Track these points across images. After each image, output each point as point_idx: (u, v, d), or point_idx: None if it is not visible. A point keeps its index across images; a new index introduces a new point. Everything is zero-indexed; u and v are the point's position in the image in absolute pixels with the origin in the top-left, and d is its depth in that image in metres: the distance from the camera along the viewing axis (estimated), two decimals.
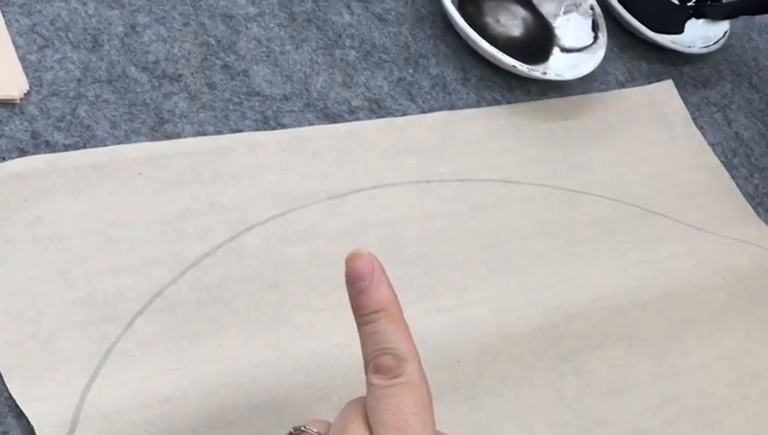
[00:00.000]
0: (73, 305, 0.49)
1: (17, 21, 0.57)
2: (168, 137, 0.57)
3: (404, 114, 0.65)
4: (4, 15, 0.57)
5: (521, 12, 0.75)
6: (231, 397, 0.49)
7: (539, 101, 0.71)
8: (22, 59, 0.56)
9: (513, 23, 0.74)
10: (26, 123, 0.54)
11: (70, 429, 0.46)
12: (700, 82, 0.80)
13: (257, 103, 0.61)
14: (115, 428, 0.46)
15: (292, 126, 0.61)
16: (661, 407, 0.60)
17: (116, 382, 0.48)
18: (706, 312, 0.66)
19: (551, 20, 0.75)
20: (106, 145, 0.55)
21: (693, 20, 0.82)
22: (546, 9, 0.75)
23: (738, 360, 0.65)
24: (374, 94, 0.65)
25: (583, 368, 0.59)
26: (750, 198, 0.75)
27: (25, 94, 0.55)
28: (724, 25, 0.82)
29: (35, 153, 0.53)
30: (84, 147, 0.55)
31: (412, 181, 0.62)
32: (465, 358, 0.56)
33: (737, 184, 0.75)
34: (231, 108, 0.60)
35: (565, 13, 0.75)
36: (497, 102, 0.69)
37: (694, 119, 0.77)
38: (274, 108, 0.61)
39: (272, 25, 0.65)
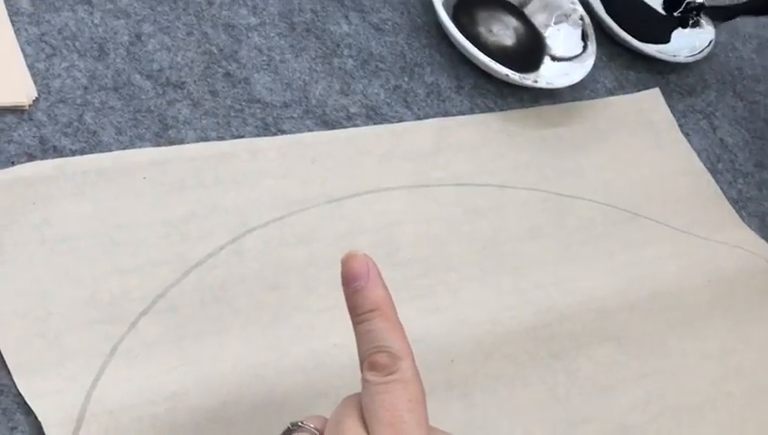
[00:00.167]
0: (80, 305, 0.49)
1: (26, 30, 0.57)
2: (172, 142, 0.57)
3: (400, 121, 0.65)
4: (13, 25, 0.57)
5: (513, 22, 0.75)
6: (233, 394, 0.49)
7: (531, 109, 0.71)
8: (30, 67, 0.56)
9: (505, 33, 0.74)
10: (35, 129, 0.54)
11: (76, 425, 0.45)
12: (686, 91, 0.81)
13: (258, 110, 0.61)
14: (120, 424, 0.46)
15: (291, 132, 0.61)
16: (648, 404, 0.61)
17: (121, 380, 0.48)
18: (692, 312, 0.66)
19: (542, 30, 0.75)
20: (111, 150, 0.55)
21: (679, 30, 0.83)
22: (537, 20, 0.76)
23: (722, 358, 0.65)
24: (371, 101, 0.65)
25: (573, 366, 0.59)
26: (734, 202, 0.75)
27: (34, 101, 0.55)
28: (708, 35, 0.82)
29: (43, 158, 0.53)
30: (91, 152, 0.55)
31: (408, 186, 0.62)
32: (460, 356, 0.56)
33: (722, 189, 0.75)
34: (233, 114, 0.60)
35: (556, 23, 0.75)
36: (490, 110, 0.69)
37: (680, 126, 0.77)
38: (275, 115, 0.61)
39: (272, 35, 0.65)
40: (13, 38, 0.56)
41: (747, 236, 0.73)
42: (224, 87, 0.61)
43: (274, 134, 0.60)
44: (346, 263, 0.42)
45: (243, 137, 0.59)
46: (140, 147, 0.56)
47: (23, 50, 0.56)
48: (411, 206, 0.61)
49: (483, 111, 0.69)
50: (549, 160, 0.69)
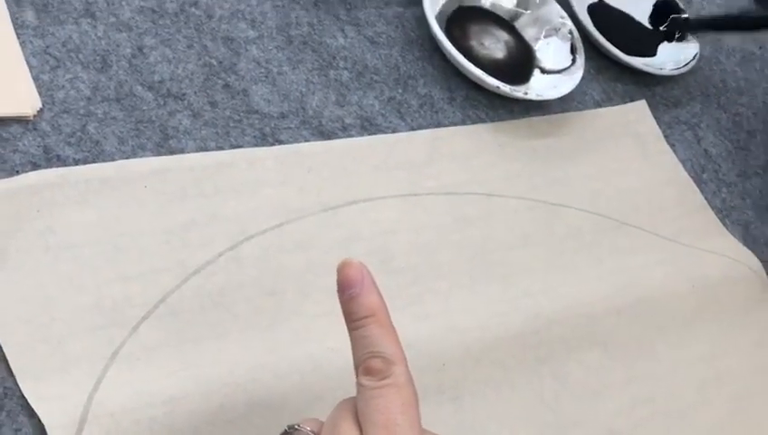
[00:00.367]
0: (82, 311, 0.50)
1: (31, 43, 0.57)
2: (173, 152, 0.57)
3: (394, 131, 0.66)
4: (18, 37, 0.57)
5: (504, 36, 0.75)
6: (231, 397, 0.49)
7: (521, 120, 0.71)
8: (35, 78, 0.56)
9: (496, 46, 0.74)
10: (39, 139, 0.54)
11: (78, 427, 0.46)
12: (671, 102, 0.81)
13: (256, 121, 0.61)
14: (121, 426, 0.46)
15: (288, 142, 0.61)
16: (634, 408, 0.61)
17: (122, 384, 0.48)
18: (677, 318, 0.66)
19: (532, 43, 0.75)
20: (114, 160, 0.55)
21: (665, 44, 0.83)
22: (528, 33, 0.76)
23: (707, 364, 0.65)
24: (366, 112, 0.66)
25: (561, 371, 0.60)
26: (718, 211, 0.75)
27: (38, 112, 0.55)
28: (693, 48, 0.83)
29: (47, 167, 0.53)
30: (94, 161, 0.55)
31: (401, 195, 0.62)
32: (450, 361, 0.56)
33: (706, 198, 0.75)
34: (231, 125, 0.60)
35: (545, 37, 0.76)
36: (482, 121, 0.70)
37: (665, 136, 0.77)
38: (272, 125, 0.62)
39: (270, 48, 0.65)
40: (18, 50, 0.56)
41: (731, 243, 0.73)
42: (223, 98, 0.61)
43: (272, 144, 0.61)
44: (342, 270, 0.42)
45: (241, 147, 0.60)
46: (142, 156, 0.56)
47: (28, 62, 0.56)
48: (405, 214, 0.61)
49: (474, 122, 0.69)
50: (539, 170, 0.69)
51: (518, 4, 0.76)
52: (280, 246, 0.56)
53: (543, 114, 0.72)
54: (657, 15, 0.84)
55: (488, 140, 0.69)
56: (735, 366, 0.66)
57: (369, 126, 0.65)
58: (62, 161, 0.54)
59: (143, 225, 0.54)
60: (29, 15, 0.58)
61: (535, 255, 0.64)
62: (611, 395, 0.60)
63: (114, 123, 0.57)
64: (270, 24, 0.66)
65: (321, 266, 0.56)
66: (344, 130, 0.64)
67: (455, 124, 0.68)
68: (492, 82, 0.69)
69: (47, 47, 0.58)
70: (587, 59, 0.75)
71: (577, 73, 0.73)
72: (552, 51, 0.75)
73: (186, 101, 0.60)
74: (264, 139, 0.61)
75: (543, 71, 0.74)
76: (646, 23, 0.84)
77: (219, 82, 0.62)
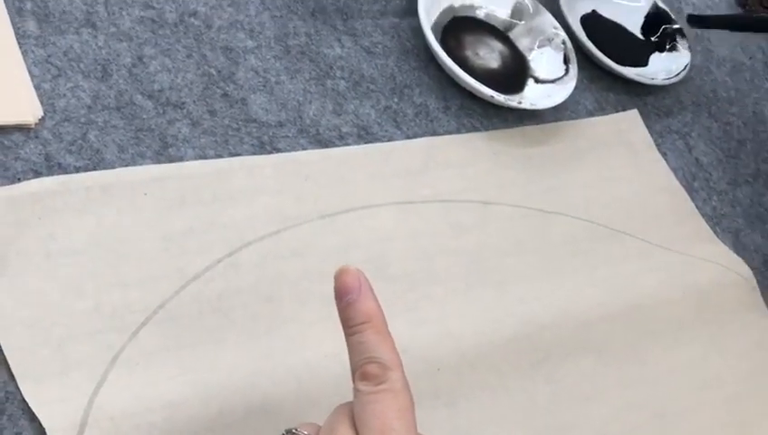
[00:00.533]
0: (83, 316, 0.50)
1: (33, 52, 0.58)
2: (172, 160, 0.58)
3: (390, 140, 0.66)
4: (20, 47, 0.57)
5: (498, 46, 0.75)
6: (229, 402, 0.49)
7: (515, 129, 0.71)
8: (37, 87, 0.56)
9: (490, 56, 0.75)
10: (40, 147, 0.54)
11: (79, 431, 0.46)
12: (663, 112, 0.81)
13: (254, 129, 0.62)
14: (121, 430, 0.47)
15: (286, 150, 0.61)
16: (627, 413, 0.61)
17: (122, 388, 0.48)
18: (669, 324, 0.66)
19: (526, 54, 0.76)
20: (114, 167, 0.55)
21: (656, 54, 0.83)
22: (522, 44, 0.76)
23: (698, 369, 0.66)
24: (362, 121, 0.66)
25: (556, 376, 0.60)
26: (708, 218, 0.76)
27: (40, 120, 0.55)
28: (685, 59, 0.83)
29: (49, 174, 0.53)
30: (94, 169, 0.55)
31: (397, 202, 0.62)
32: (446, 366, 0.56)
33: (697, 206, 0.76)
34: (230, 133, 0.61)
35: (539, 47, 0.76)
36: (476, 129, 0.70)
37: (657, 145, 0.78)
38: (270, 134, 0.62)
39: (268, 57, 0.65)
40: (20, 60, 0.57)
41: (721, 251, 0.73)
42: (222, 107, 0.61)
43: (270, 152, 0.61)
44: (339, 277, 0.42)
45: (239, 155, 0.60)
46: (142, 164, 0.56)
47: (29, 71, 0.57)
48: (401, 222, 0.62)
49: (469, 131, 0.69)
50: (533, 178, 0.69)
51: (512, 15, 0.77)
52: (277, 253, 0.56)
53: (537, 123, 0.73)
54: (648, 26, 0.85)
55: (483, 148, 0.69)
56: (727, 371, 0.67)
57: (365, 135, 0.65)
58: (62, 169, 0.54)
59: (143, 232, 0.54)
60: (31, 25, 0.59)
61: (529, 261, 0.64)
62: (605, 400, 0.61)
63: (114, 131, 0.57)
64: (268, 34, 0.67)
65: (318, 273, 0.57)
66: (341, 139, 0.64)
67: (450, 133, 0.68)
68: (486, 91, 0.69)
69: (48, 56, 0.58)
70: (580, 69, 0.76)
71: (570, 83, 0.74)
72: (546, 61, 0.75)
73: (185, 110, 0.60)
74: (262, 147, 0.61)
75: (537, 80, 0.74)
76: (638, 33, 0.84)
77: (218, 91, 0.62)
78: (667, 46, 0.84)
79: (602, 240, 0.69)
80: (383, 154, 0.64)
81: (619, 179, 0.74)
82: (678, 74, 0.82)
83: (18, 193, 0.52)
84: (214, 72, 0.63)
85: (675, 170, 0.77)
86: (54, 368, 0.48)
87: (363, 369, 0.41)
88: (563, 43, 0.76)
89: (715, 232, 0.75)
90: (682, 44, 0.84)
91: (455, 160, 0.67)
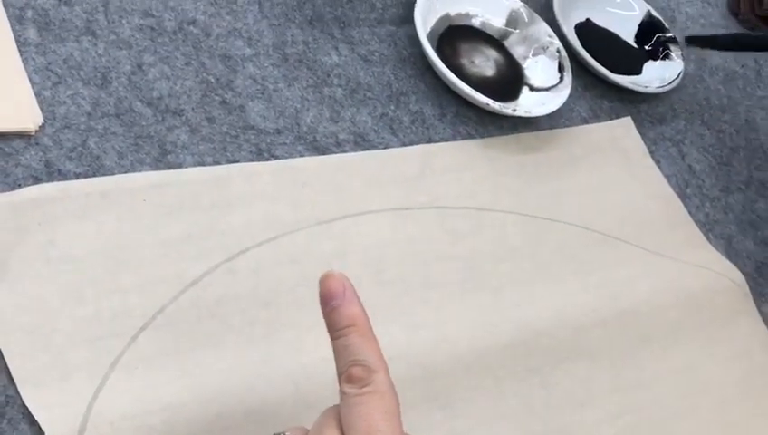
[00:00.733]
0: (82, 321, 0.50)
1: (33, 60, 0.58)
2: (171, 167, 0.58)
3: (386, 147, 0.66)
4: (21, 55, 0.57)
5: (493, 54, 0.76)
6: (227, 406, 0.49)
7: (510, 136, 0.72)
8: (37, 94, 0.56)
9: (486, 64, 0.75)
10: (41, 153, 0.55)
11: (78, 434, 0.46)
12: (656, 119, 0.81)
13: (252, 136, 0.62)
14: (120, 434, 0.47)
15: (284, 157, 0.62)
16: (620, 417, 0.61)
17: (121, 392, 0.48)
18: (661, 329, 0.66)
19: (520, 61, 0.76)
20: (114, 174, 0.56)
21: (650, 62, 0.84)
22: (516, 52, 0.76)
23: (690, 374, 0.66)
24: (359, 128, 0.66)
25: (549, 380, 0.60)
26: (701, 225, 0.76)
27: (40, 127, 0.55)
28: (678, 67, 0.83)
29: (49, 181, 0.53)
30: (94, 175, 0.55)
31: (394, 208, 0.63)
32: (442, 371, 0.56)
33: (690, 212, 0.76)
34: (228, 140, 0.61)
35: (534, 55, 0.76)
36: (472, 136, 0.70)
37: (651, 152, 0.78)
38: (268, 141, 0.62)
39: (266, 65, 0.66)
40: (21, 67, 0.57)
41: (713, 257, 0.74)
42: (220, 114, 0.62)
43: (268, 159, 0.61)
44: (323, 283, 0.43)
45: (238, 162, 0.60)
46: (141, 171, 0.57)
47: (30, 78, 0.57)
48: (397, 228, 0.62)
49: (465, 138, 0.70)
50: (527, 185, 0.69)
51: (507, 24, 0.77)
52: (275, 259, 0.56)
53: (532, 130, 0.73)
54: (642, 34, 0.85)
55: (478, 155, 0.69)
56: (718, 376, 0.67)
57: (362, 142, 0.65)
58: (63, 175, 0.54)
59: (142, 237, 0.54)
60: (31, 33, 0.59)
61: (524, 267, 0.64)
62: (598, 404, 0.61)
63: (114, 138, 0.57)
64: (266, 42, 0.67)
65: (315, 279, 0.55)
66: (338, 146, 0.64)
67: (445, 140, 0.69)
68: (482, 98, 0.69)
69: (49, 64, 0.58)
70: (574, 77, 0.76)
71: (564, 91, 0.74)
72: (541, 69, 0.76)
73: (184, 117, 0.60)
74: (260, 154, 0.61)
75: (532, 88, 0.75)
76: (632, 42, 0.85)
77: (216, 98, 0.62)
78: (661, 55, 0.84)
79: (596, 246, 0.69)
80: (379, 161, 0.64)
81: (612, 186, 0.74)
82: (672, 82, 0.82)
83: (18, 199, 0.52)
84: (212, 80, 0.63)
85: (668, 177, 0.77)
86: (54, 373, 0.48)
87: (349, 372, 0.41)
88: (558, 51, 0.76)
89: (707, 238, 0.75)
90: (675, 53, 0.84)
91: (450, 167, 0.67)
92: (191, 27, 0.65)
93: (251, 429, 0.49)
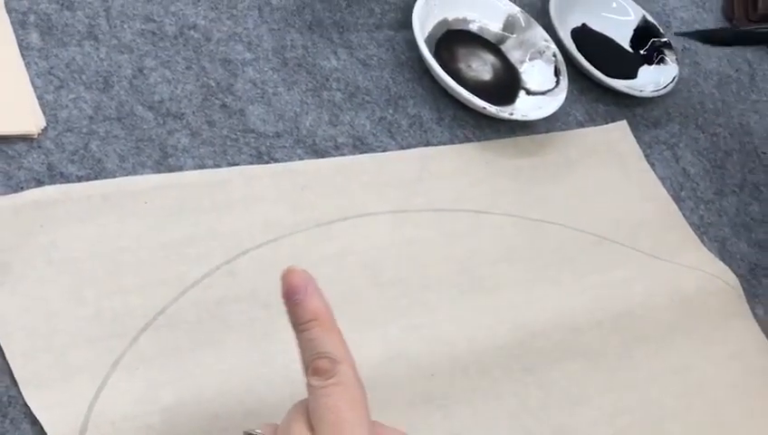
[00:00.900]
0: (84, 322, 0.50)
1: (36, 64, 0.58)
2: (172, 169, 0.58)
3: (384, 150, 0.66)
4: (24, 59, 0.57)
5: (490, 58, 0.76)
6: (226, 407, 0.50)
7: (507, 139, 0.72)
8: (39, 98, 0.56)
9: (483, 68, 0.75)
10: (43, 157, 0.55)
11: (79, 434, 0.46)
12: (651, 123, 0.81)
13: (252, 140, 0.62)
14: (120, 434, 0.47)
15: (283, 160, 0.62)
16: (615, 416, 0.61)
17: (122, 392, 0.48)
18: (656, 330, 0.66)
19: (517, 66, 0.76)
20: (115, 177, 0.56)
21: (645, 66, 0.84)
22: (513, 56, 0.76)
23: (684, 374, 0.66)
24: (358, 132, 0.66)
25: (545, 380, 0.60)
26: (695, 227, 0.76)
27: (43, 130, 0.55)
28: (672, 71, 0.83)
29: (51, 184, 0.53)
30: (96, 178, 0.55)
31: (392, 211, 0.63)
32: (439, 371, 0.56)
33: (684, 215, 0.76)
34: (228, 144, 0.61)
35: (530, 59, 0.76)
36: (469, 140, 0.70)
37: (646, 156, 0.78)
38: (268, 144, 0.62)
39: (266, 69, 0.66)
40: (23, 71, 0.57)
41: (707, 258, 0.74)
42: (220, 118, 0.62)
43: (267, 162, 0.61)
44: (286, 278, 0.43)
45: (238, 165, 0.60)
46: (142, 174, 0.57)
47: (32, 82, 0.57)
48: (395, 230, 0.62)
49: (462, 142, 0.70)
50: (524, 187, 0.70)
51: (504, 29, 0.77)
52: (275, 261, 0.56)
53: (528, 134, 0.73)
54: (637, 39, 0.85)
55: (476, 158, 0.69)
56: (712, 377, 0.67)
57: (360, 145, 0.65)
58: (65, 178, 0.54)
59: (143, 239, 0.54)
60: (34, 38, 0.59)
61: (521, 269, 0.65)
62: (593, 404, 0.61)
63: (115, 142, 0.57)
64: (266, 46, 0.67)
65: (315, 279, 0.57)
66: (337, 149, 0.64)
67: (443, 143, 0.69)
68: (479, 102, 0.69)
69: (51, 68, 0.58)
70: (570, 81, 0.76)
71: (561, 95, 0.74)
72: (537, 73, 0.76)
73: (184, 121, 0.60)
74: (260, 157, 0.61)
75: (528, 92, 0.75)
76: (627, 46, 0.85)
77: (217, 102, 0.62)
78: (656, 59, 0.84)
79: (592, 248, 0.69)
80: (378, 164, 0.64)
81: (608, 189, 0.74)
82: (666, 86, 0.82)
83: (21, 202, 0.52)
84: (213, 84, 0.63)
85: (663, 180, 0.77)
86: (56, 373, 0.48)
87: (314, 364, 0.41)
88: (554, 55, 0.76)
89: (701, 241, 0.75)
90: (670, 57, 0.84)
91: (448, 170, 0.67)
92: (192, 32, 0.65)
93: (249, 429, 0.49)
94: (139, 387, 0.49)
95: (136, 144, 0.58)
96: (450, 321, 0.59)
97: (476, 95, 0.70)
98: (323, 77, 0.67)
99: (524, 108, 0.73)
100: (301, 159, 0.62)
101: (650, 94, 0.81)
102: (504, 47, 0.77)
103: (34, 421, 0.46)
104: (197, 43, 0.64)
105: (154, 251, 0.54)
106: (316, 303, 0.42)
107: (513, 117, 0.71)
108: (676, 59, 0.84)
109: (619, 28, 0.85)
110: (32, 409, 0.46)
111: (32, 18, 0.59)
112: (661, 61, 0.84)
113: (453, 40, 0.75)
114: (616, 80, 0.80)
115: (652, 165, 0.78)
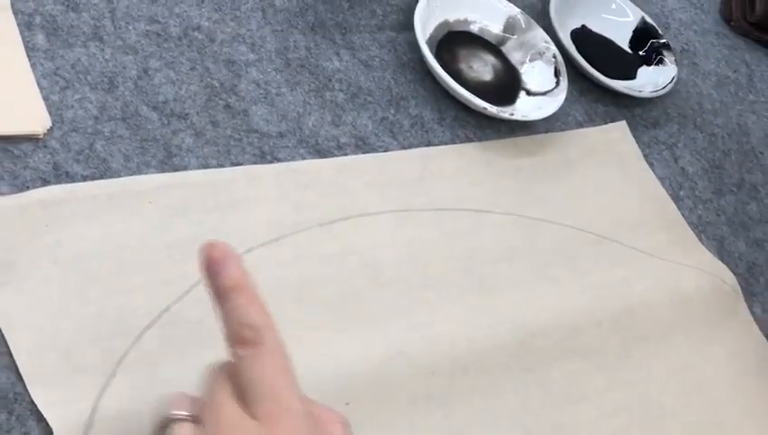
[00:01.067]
0: (89, 321, 0.50)
1: (42, 65, 0.58)
2: (176, 169, 0.58)
3: (386, 150, 0.66)
4: (30, 60, 0.57)
5: (491, 59, 0.76)
6: None
7: (507, 139, 0.72)
8: (45, 99, 0.56)
9: (484, 69, 0.75)
10: (49, 156, 0.55)
11: (84, 431, 0.46)
12: (650, 123, 0.81)
13: (255, 140, 0.62)
14: (124, 431, 0.47)
15: (286, 160, 0.62)
16: (614, 416, 0.61)
17: (126, 390, 0.48)
18: (655, 329, 0.66)
19: (518, 67, 0.76)
20: (120, 176, 0.56)
21: (644, 67, 0.84)
22: (514, 57, 0.76)
23: (683, 373, 0.66)
24: (360, 132, 0.66)
25: (545, 379, 0.60)
26: (694, 226, 0.76)
27: (48, 130, 0.55)
28: (671, 72, 0.83)
29: (57, 183, 0.54)
30: (101, 178, 0.55)
31: (393, 210, 0.63)
32: (439, 370, 0.56)
33: (683, 214, 0.76)
34: (232, 144, 0.61)
35: (531, 60, 0.76)
36: (470, 140, 0.70)
37: (645, 155, 0.78)
38: (271, 144, 0.62)
39: (269, 70, 0.66)
40: (29, 72, 0.57)
41: (706, 258, 0.73)
42: (224, 118, 0.62)
43: (270, 162, 0.61)
44: (205, 250, 0.42)
45: (241, 164, 0.60)
46: (147, 173, 0.57)
47: (38, 83, 0.57)
48: (396, 229, 0.62)
49: (463, 142, 0.70)
50: (524, 187, 0.69)
51: (505, 30, 0.77)
52: (278, 259, 0.57)
53: (528, 134, 0.73)
54: (636, 40, 0.85)
55: (476, 158, 0.69)
56: (711, 376, 0.67)
57: (362, 145, 0.65)
58: (70, 178, 0.54)
59: (147, 238, 0.54)
60: (40, 39, 0.59)
61: (521, 268, 0.64)
62: (592, 403, 0.61)
63: (120, 142, 0.57)
64: (269, 47, 0.67)
65: (317, 278, 0.57)
66: (339, 149, 0.64)
67: (444, 143, 0.69)
68: (480, 103, 0.69)
69: (57, 69, 0.58)
70: (570, 82, 0.76)
71: (560, 95, 0.74)
72: (537, 74, 0.76)
73: (189, 121, 0.60)
74: (263, 157, 0.61)
75: (529, 93, 0.75)
76: (626, 47, 0.85)
77: (220, 102, 0.62)
78: (655, 60, 0.84)
79: (591, 247, 0.69)
80: (380, 164, 0.64)
81: (607, 189, 0.74)
82: (665, 87, 0.82)
83: (27, 201, 0.52)
84: (216, 85, 0.63)
85: (661, 180, 0.77)
86: (61, 370, 0.48)
87: (239, 334, 0.41)
88: (554, 56, 0.76)
89: (700, 240, 0.75)
90: (669, 58, 0.84)
91: (449, 170, 0.67)
92: (196, 33, 0.65)
93: None
94: (143, 385, 0.49)
95: (140, 144, 0.58)
96: (450, 320, 0.59)
97: (477, 96, 0.70)
98: (326, 78, 0.67)
99: (525, 108, 0.73)
100: (303, 158, 0.62)
101: (649, 95, 0.81)
102: (504, 48, 0.77)
103: (40, 418, 0.46)
104: (201, 44, 0.64)
105: (158, 250, 0.54)
106: (236, 272, 0.42)
107: (514, 117, 0.71)
108: (675, 60, 0.84)
109: (619, 29, 0.85)
110: (38, 406, 0.46)
111: (37, 20, 0.59)
112: (660, 62, 0.84)
113: (454, 41, 0.75)
114: (615, 80, 0.80)
115: (651, 165, 0.78)
